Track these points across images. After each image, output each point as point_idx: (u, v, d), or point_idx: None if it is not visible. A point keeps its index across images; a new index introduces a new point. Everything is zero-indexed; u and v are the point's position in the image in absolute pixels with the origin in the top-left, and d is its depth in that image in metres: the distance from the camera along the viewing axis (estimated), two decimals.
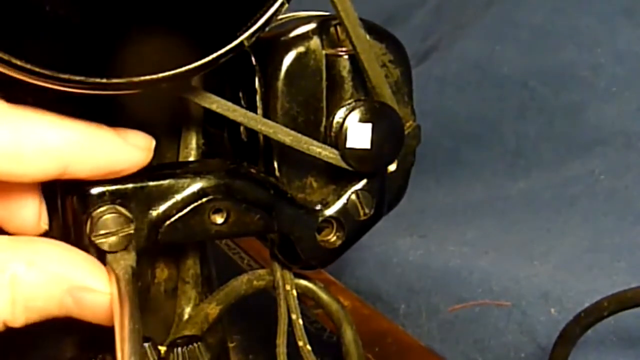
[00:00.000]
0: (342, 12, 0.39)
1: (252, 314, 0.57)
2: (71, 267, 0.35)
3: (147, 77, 0.34)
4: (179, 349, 0.42)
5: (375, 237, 0.78)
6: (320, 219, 0.43)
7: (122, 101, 0.37)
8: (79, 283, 0.35)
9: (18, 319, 0.35)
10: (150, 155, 0.38)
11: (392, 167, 0.44)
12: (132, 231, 0.37)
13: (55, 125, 0.34)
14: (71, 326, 0.43)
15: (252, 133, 0.42)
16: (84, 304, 0.35)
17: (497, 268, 0.74)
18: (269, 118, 0.41)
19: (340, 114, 0.42)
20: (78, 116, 0.36)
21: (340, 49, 0.42)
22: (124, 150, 0.36)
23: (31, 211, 0.37)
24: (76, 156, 0.35)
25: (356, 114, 0.41)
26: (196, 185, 0.39)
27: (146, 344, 0.41)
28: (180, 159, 0.44)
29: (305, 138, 0.41)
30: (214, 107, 0.39)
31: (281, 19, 0.42)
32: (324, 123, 0.42)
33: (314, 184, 0.43)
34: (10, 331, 0.36)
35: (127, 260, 0.36)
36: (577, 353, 0.56)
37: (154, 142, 0.38)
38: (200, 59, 0.35)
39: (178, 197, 0.38)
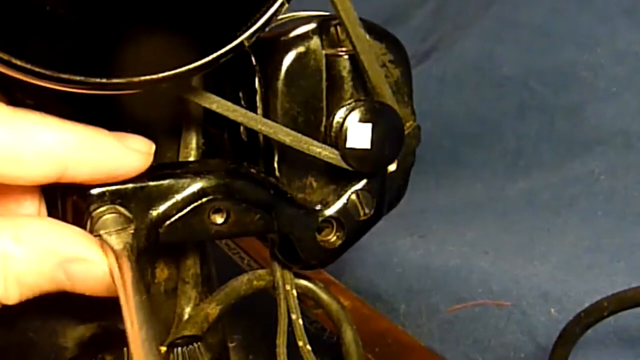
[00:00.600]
0: (342, 12, 0.39)
1: (252, 314, 0.57)
2: (60, 240, 0.35)
3: (147, 77, 0.34)
4: (179, 349, 0.42)
5: (375, 237, 0.78)
6: (320, 219, 0.43)
7: (122, 101, 0.37)
8: (69, 255, 0.35)
9: (12, 296, 0.35)
10: (150, 159, 0.38)
11: (392, 167, 0.44)
12: (132, 231, 0.37)
13: (54, 128, 0.34)
14: (71, 325, 0.43)
15: (252, 133, 0.42)
16: (76, 276, 0.35)
17: (497, 268, 0.74)
18: (269, 118, 0.41)
19: (340, 114, 0.42)
20: (78, 116, 0.36)
21: (340, 49, 0.42)
22: (124, 154, 0.36)
23: (30, 211, 0.37)
24: (75, 159, 0.35)
25: (356, 114, 0.41)
26: (196, 185, 0.39)
27: None
28: (180, 159, 0.44)
29: (305, 138, 0.41)
30: (214, 107, 0.39)
31: (281, 19, 0.42)
32: (324, 123, 0.42)
33: (314, 184, 0.43)
34: (10, 334, 0.36)
35: (123, 238, 0.36)
36: (577, 353, 0.56)
37: (153, 147, 0.38)
38: (200, 59, 0.35)
39: (178, 197, 0.39)
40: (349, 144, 0.41)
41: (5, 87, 0.35)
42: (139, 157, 0.37)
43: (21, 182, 0.34)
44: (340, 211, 0.43)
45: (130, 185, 0.38)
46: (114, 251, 0.35)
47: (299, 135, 0.40)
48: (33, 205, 0.37)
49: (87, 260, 0.35)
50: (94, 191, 0.37)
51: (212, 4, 0.34)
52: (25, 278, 0.34)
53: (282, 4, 0.35)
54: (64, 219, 0.39)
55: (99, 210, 0.37)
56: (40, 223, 0.36)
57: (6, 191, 0.37)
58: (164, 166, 0.41)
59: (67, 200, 0.38)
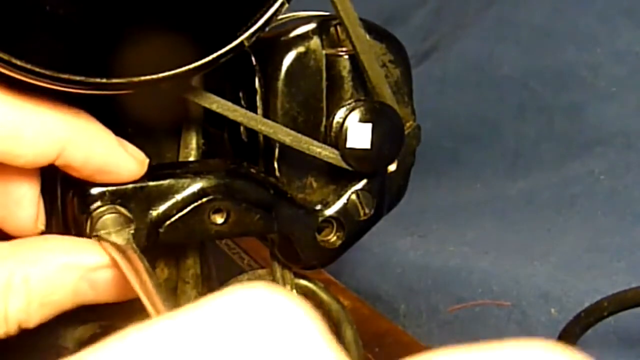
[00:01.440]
0: (342, 12, 0.39)
1: None
2: (79, 254, 0.35)
3: (147, 77, 0.34)
4: None
5: (375, 237, 0.78)
6: (320, 219, 0.43)
7: (122, 101, 0.37)
8: (92, 265, 0.35)
9: (33, 319, 0.35)
10: (143, 170, 0.38)
11: (392, 167, 0.44)
12: (132, 231, 0.37)
13: (57, 109, 0.35)
14: (71, 325, 0.43)
15: (252, 133, 0.42)
16: (100, 284, 0.36)
17: (497, 268, 0.74)
18: (269, 118, 0.41)
19: (340, 114, 0.42)
20: None
21: (340, 49, 0.42)
22: (119, 151, 0.37)
23: (29, 212, 0.37)
24: (73, 141, 0.35)
25: (356, 114, 0.41)
26: (196, 185, 0.39)
27: None
28: (180, 159, 0.44)
29: (305, 138, 0.41)
30: (214, 107, 0.39)
31: (281, 18, 0.42)
32: (324, 123, 0.42)
33: (314, 184, 0.43)
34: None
35: (122, 235, 0.37)
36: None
37: (147, 160, 0.38)
38: (200, 59, 0.35)
39: (178, 197, 0.39)
40: (349, 144, 0.41)
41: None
42: (133, 161, 0.37)
43: (20, 160, 0.34)
44: (340, 211, 0.43)
45: (130, 185, 0.38)
46: (117, 246, 0.35)
47: (299, 135, 0.40)
48: (31, 206, 0.37)
49: (109, 265, 0.36)
50: (94, 191, 0.37)
51: (212, 4, 0.34)
52: (49, 297, 0.35)
53: (282, 4, 0.35)
54: (64, 218, 0.39)
55: (99, 210, 0.37)
56: (55, 241, 0.36)
57: (6, 190, 0.37)
58: (164, 166, 0.41)
59: (67, 200, 0.38)
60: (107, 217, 0.37)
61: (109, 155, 0.36)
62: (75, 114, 0.35)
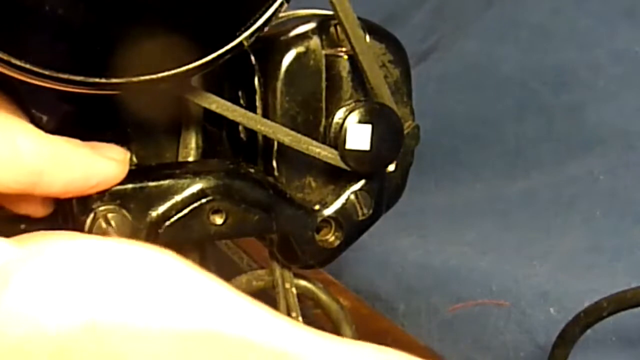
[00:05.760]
0: (341, 13, 0.39)
1: None
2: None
3: (147, 77, 0.34)
4: None
5: (375, 237, 0.78)
6: (319, 219, 0.43)
7: (122, 101, 0.37)
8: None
9: None
10: (126, 167, 0.37)
11: (390, 167, 0.44)
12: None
13: (30, 137, 0.34)
14: None
15: (251, 133, 0.42)
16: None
17: (497, 268, 0.74)
18: (268, 118, 0.41)
19: (339, 115, 0.42)
20: (77, 115, 0.36)
21: (340, 49, 0.42)
22: (97, 162, 0.36)
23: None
24: (49, 169, 0.34)
25: (355, 115, 0.41)
26: (195, 186, 0.39)
27: None
28: (180, 159, 0.44)
29: (304, 138, 0.41)
30: (213, 107, 0.39)
31: (281, 17, 0.42)
32: (323, 123, 0.42)
33: (313, 184, 0.43)
34: None
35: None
36: (577, 353, 0.56)
37: (128, 155, 0.38)
38: (200, 59, 0.35)
39: (177, 197, 0.39)
40: (348, 145, 0.41)
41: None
42: (114, 165, 0.37)
43: None
44: (338, 211, 0.43)
45: (129, 186, 0.38)
46: None
47: (298, 135, 0.40)
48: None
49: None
50: None
51: (211, 4, 0.34)
52: None
53: (281, 4, 0.35)
54: (63, 219, 0.39)
55: (98, 211, 0.37)
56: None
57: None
58: (164, 166, 0.41)
59: (67, 201, 0.38)
60: (107, 217, 0.37)
61: (88, 169, 0.36)
62: (50, 140, 0.34)
